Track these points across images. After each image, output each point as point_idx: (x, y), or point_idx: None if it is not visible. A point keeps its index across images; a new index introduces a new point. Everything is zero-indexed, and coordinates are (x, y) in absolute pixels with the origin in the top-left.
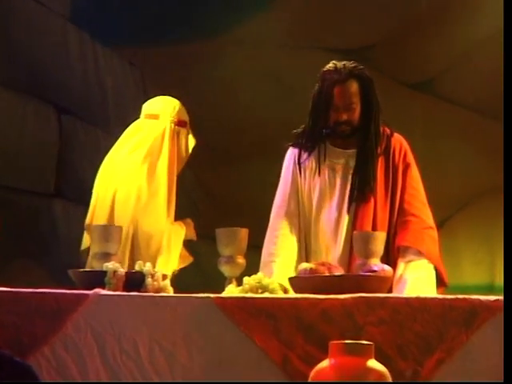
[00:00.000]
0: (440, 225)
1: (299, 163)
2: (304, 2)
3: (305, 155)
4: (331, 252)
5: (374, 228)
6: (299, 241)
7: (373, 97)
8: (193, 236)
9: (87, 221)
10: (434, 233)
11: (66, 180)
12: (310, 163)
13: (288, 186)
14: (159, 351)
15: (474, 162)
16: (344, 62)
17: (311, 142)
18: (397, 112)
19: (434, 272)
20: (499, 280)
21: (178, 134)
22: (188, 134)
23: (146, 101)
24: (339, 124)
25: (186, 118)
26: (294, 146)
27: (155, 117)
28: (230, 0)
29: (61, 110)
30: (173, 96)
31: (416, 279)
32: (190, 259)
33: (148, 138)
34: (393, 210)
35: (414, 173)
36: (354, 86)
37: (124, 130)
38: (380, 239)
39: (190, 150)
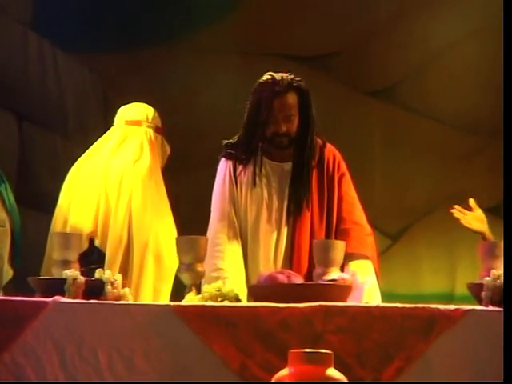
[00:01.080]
0: (400, 233)
1: (235, 175)
2: (265, 9)
3: (240, 167)
4: (270, 265)
5: (312, 239)
6: (241, 255)
7: (310, 109)
8: None
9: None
10: (373, 239)
11: (25, 187)
12: (246, 176)
13: (226, 200)
14: (118, 358)
15: (434, 170)
16: (281, 74)
17: (247, 155)
18: (357, 120)
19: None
20: (459, 289)
21: (156, 140)
22: (163, 141)
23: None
24: (278, 136)
25: (160, 124)
26: (227, 157)
27: (138, 123)
28: (190, 6)
29: (21, 116)
30: (133, 102)
31: (371, 285)
32: None
33: (143, 145)
34: (330, 219)
35: (349, 182)
36: (293, 98)
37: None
38: (340, 248)
39: (166, 158)
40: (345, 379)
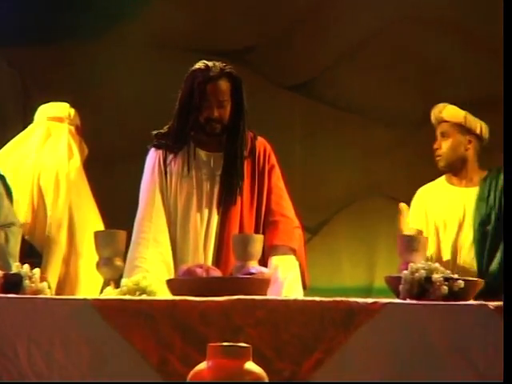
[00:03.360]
0: (319, 226)
1: (165, 165)
2: (182, 3)
3: (170, 156)
4: (199, 254)
5: (241, 229)
6: (169, 244)
7: (243, 96)
8: None
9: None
10: (301, 232)
11: None
12: (177, 165)
13: (154, 189)
14: (37, 353)
15: (353, 163)
16: (213, 61)
17: (178, 144)
18: (276, 114)
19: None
20: (378, 282)
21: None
22: (81, 141)
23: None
24: (211, 121)
25: (79, 124)
26: (157, 147)
27: (60, 120)
28: (108, 2)
29: None
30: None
31: (292, 280)
32: None
33: (71, 142)
34: (260, 210)
35: (278, 174)
36: (225, 84)
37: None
38: (258, 242)
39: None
40: (263, 373)
